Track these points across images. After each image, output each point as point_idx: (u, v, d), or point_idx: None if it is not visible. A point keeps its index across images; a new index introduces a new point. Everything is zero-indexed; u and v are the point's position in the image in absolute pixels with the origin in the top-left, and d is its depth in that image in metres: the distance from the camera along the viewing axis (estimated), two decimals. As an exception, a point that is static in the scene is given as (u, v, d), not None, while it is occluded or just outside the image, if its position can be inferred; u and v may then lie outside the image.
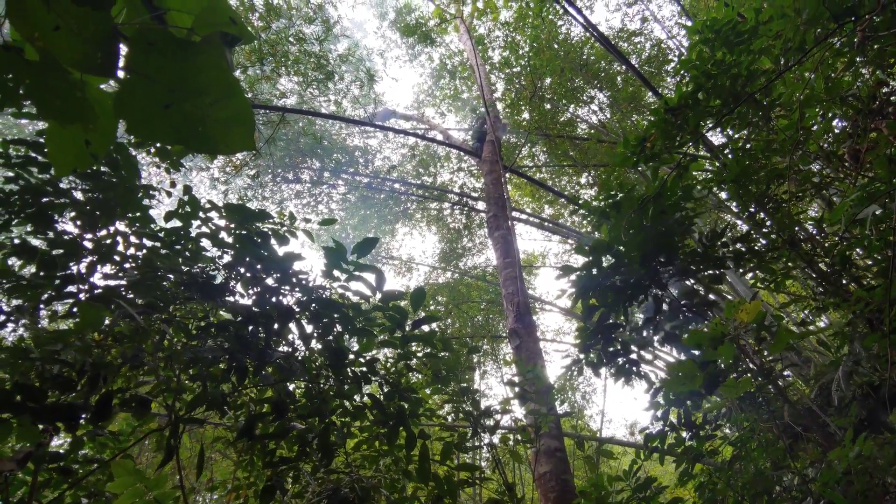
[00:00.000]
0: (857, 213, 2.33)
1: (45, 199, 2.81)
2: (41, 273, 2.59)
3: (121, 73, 0.98)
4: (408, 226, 14.83)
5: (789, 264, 4.04)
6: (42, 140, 2.76)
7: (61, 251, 2.69)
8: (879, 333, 2.94)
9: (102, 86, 1.08)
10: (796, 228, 4.09)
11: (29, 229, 2.84)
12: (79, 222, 2.87)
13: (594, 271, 3.72)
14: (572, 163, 11.54)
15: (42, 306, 2.62)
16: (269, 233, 2.47)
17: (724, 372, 3.05)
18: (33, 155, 2.77)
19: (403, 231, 15.13)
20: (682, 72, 4.15)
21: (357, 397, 2.63)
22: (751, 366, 4.15)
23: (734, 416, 4.35)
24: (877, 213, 2.40)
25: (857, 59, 3.46)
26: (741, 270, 4.06)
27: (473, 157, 10.10)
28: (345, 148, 13.35)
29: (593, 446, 7.40)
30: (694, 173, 4.73)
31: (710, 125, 3.92)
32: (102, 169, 3.02)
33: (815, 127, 3.75)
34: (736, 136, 4.36)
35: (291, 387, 2.74)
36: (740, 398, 4.25)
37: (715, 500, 4.21)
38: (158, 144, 3.25)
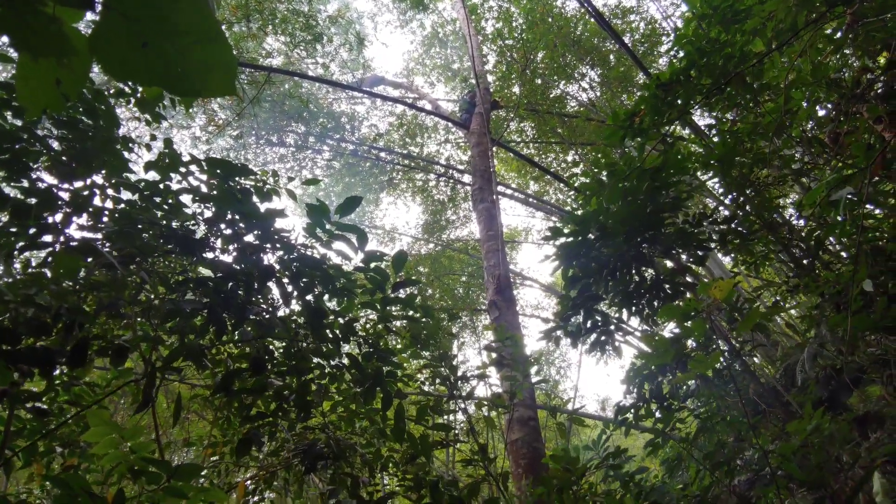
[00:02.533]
0: (832, 194, 2.39)
1: (18, 146, 2.73)
2: (15, 221, 2.53)
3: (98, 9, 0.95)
4: (392, 195, 14.75)
5: (770, 247, 4.14)
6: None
7: (35, 200, 2.62)
8: (844, 314, 3.04)
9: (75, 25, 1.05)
10: (774, 215, 4.17)
11: (1, 175, 2.75)
12: (55, 172, 2.79)
13: (580, 239, 3.76)
14: (560, 140, 11.51)
15: (16, 254, 2.57)
16: (252, 189, 2.44)
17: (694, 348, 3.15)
18: (6, 97, 2.68)
19: (388, 200, 15.07)
20: (675, 49, 4.14)
21: (336, 358, 2.65)
22: (721, 344, 4.27)
23: (701, 391, 4.50)
24: (850, 196, 2.46)
25: (846, 43, 3.48)
26: (724, 251, 4.15)
27: (461, 129, 9.99)
28: (331, 113, 13.11)
29: (565, 418, 7.60)
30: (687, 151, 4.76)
31: (699, 103, 3.94)
32: (81, 118, 2.93)
33: (798, 111, 3.79)
34: (724, 117, 4.39)
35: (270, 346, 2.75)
36: (707, 375, 4.38)
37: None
38: (139, 94, 3.16)
